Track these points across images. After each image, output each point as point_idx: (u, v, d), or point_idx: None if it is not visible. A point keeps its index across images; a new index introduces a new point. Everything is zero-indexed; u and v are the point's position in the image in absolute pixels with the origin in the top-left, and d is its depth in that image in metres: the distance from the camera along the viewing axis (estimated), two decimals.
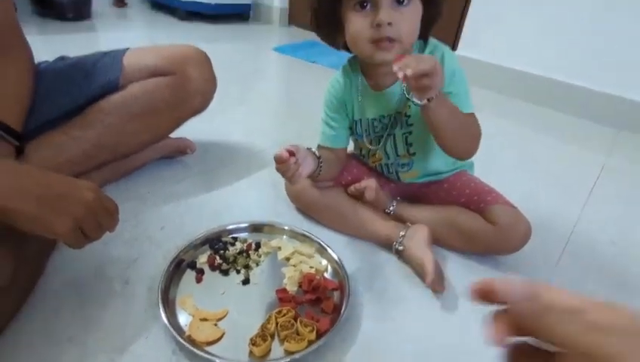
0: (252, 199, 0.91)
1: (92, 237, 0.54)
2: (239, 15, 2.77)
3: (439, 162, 0.82)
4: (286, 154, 0.61)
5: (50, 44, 1.83)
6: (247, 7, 2.76)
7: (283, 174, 0.64)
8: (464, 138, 0.70)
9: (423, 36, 0.69)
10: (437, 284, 0.69)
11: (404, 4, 0.61)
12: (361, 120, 0.78)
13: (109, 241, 0.71)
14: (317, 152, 0.73)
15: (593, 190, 1.12)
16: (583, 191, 1.10)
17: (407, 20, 0.61)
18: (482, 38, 1.90)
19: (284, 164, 0.62)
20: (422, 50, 0.71)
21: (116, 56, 0.84)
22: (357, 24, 0.63)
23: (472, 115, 0.70)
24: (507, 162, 1.22)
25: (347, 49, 0.72)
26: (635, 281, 0.80)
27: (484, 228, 0.73)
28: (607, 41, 1.60)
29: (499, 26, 1.83)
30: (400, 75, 0.54)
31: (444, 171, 0.84)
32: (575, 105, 1.71)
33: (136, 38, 2.16)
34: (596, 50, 1.63)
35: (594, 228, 0.94)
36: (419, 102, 0.60)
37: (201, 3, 2.54)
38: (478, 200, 0.76)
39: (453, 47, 1.99)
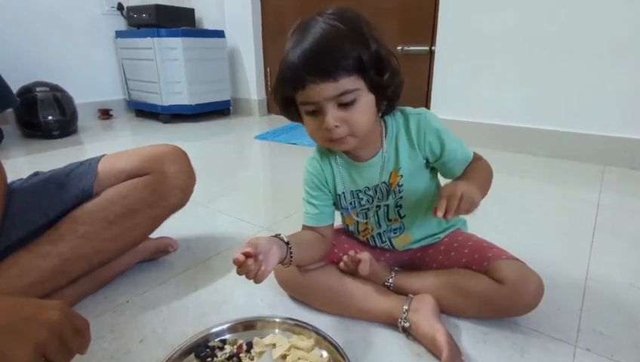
0: (242, 293, 0.84)
1: None
2: (220, 111, 2.92)
3: (430, 222, 0.78)
4: (242, 257, 0.57)
5: (35, 163, 1.86)
6: (227, 102, 2.92)
7: (246, 276, 0.59)
8: (490, 182, 0.72)
9: (390, 110, 0.69)
10: (454, 361, 0.61)
11: (350, 104, 0.61)
12: (344, 193, 0.76)
13: None
14: (285, 238, 0.67)
15: (595, 231, 1.08)
16: (586, 234, 1.06)
17: (355, 117, 0.61)
18: (450, 100, 2.00)
19: (243, 267, 0.58)
20: (398, 121, 0.72)
21: (91, 163, 0.83)
22: (310, 126, 0.66)
23: (479, 156, 0.73)
24: (500, 215, 1.19)
25: None
26: None
27: (491, 288, 0.67)
28: (561, 86, 1.69)
29: (463, 86, 1.95)
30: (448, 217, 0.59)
31: (437, 232, 0.80)
32: (556, 148, 1.75)
33: (121, 145, 2.22)
34: (554, 95, 1.72)
35: (608, 272, 0.88)
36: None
37: (182, 106, 2.67)
38: (480, 259, 0.71)
39: None
